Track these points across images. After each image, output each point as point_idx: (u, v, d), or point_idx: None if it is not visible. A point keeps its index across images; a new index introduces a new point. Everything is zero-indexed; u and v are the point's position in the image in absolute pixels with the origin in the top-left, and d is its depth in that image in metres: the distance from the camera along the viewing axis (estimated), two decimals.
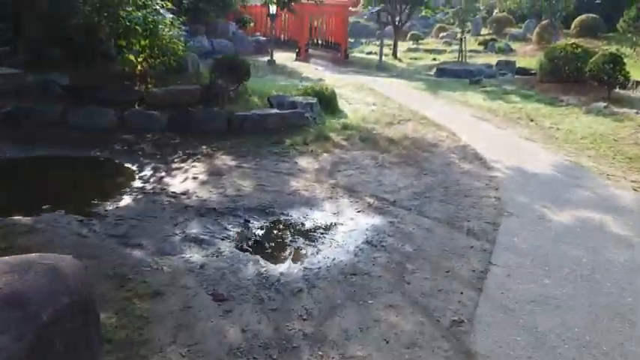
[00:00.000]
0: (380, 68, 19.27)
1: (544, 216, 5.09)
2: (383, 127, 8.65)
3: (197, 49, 17.72)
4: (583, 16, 23.45)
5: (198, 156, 6.64)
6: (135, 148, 6.82)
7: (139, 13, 7.16)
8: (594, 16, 23.23)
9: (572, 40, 15.86)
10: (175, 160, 6.47)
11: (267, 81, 13.36)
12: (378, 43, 29.56)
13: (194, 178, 5.81)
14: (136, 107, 7.70)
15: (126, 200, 5.08)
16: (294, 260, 4.04)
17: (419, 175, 6.27)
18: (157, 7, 7.46)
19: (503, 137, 8.71)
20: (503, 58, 20.62)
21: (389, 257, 4.07)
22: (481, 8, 32.26)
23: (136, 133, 7.26)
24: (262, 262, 3.93)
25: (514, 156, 7.30)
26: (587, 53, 12.97)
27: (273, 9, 17.87)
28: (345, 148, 7.37)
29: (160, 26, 7.38)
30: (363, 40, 31.33)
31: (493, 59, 21.26)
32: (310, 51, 25.42)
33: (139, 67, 7.77)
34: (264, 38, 24.06)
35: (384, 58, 24.30)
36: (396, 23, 24.11)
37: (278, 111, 8.36)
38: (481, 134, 8.72)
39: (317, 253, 4.14)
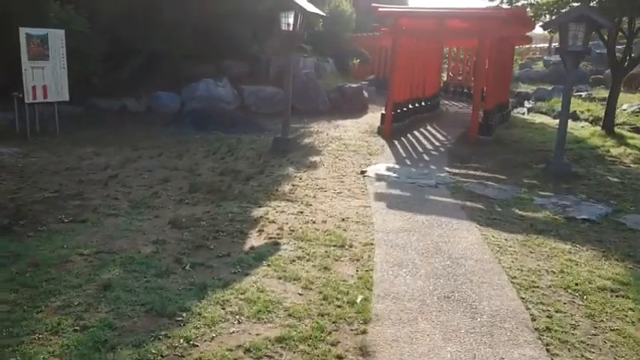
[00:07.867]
0: (551, 171, 7.80)
1: None
2: None
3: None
4: None
5: None
6: None
7: None
8: None
9: None
10: None
11: None
12: (585, 94, 16.67)
13: None
14: None
15: None
16: None
17: None
18: None
19: None
20: None
21: None
22: None
23: None
24: None
25: None
26: None
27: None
28: None
29: None
30: (575, 89, 18.25)
31: None
32: (442, 104, 15.09)
33: None
34: (356, 85, 14.69)
35: (586, 131, 12.32)
36: (619, 58, 11.58)
37: None
38: None
39: None
